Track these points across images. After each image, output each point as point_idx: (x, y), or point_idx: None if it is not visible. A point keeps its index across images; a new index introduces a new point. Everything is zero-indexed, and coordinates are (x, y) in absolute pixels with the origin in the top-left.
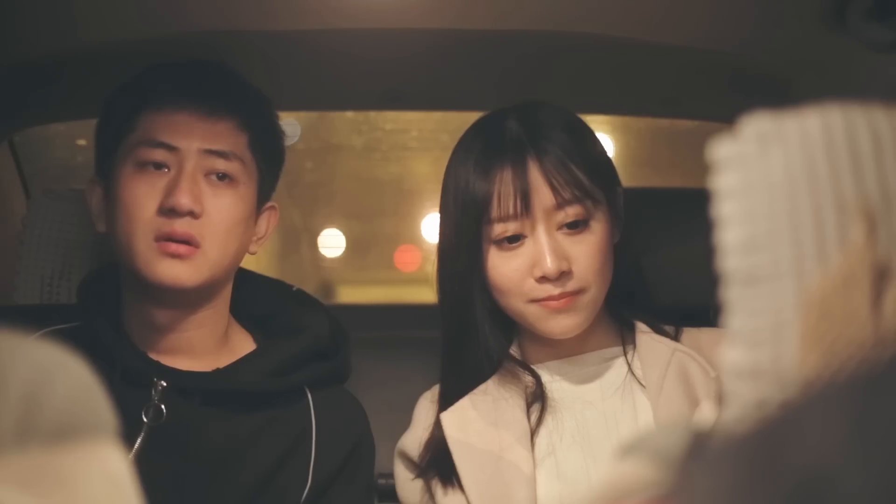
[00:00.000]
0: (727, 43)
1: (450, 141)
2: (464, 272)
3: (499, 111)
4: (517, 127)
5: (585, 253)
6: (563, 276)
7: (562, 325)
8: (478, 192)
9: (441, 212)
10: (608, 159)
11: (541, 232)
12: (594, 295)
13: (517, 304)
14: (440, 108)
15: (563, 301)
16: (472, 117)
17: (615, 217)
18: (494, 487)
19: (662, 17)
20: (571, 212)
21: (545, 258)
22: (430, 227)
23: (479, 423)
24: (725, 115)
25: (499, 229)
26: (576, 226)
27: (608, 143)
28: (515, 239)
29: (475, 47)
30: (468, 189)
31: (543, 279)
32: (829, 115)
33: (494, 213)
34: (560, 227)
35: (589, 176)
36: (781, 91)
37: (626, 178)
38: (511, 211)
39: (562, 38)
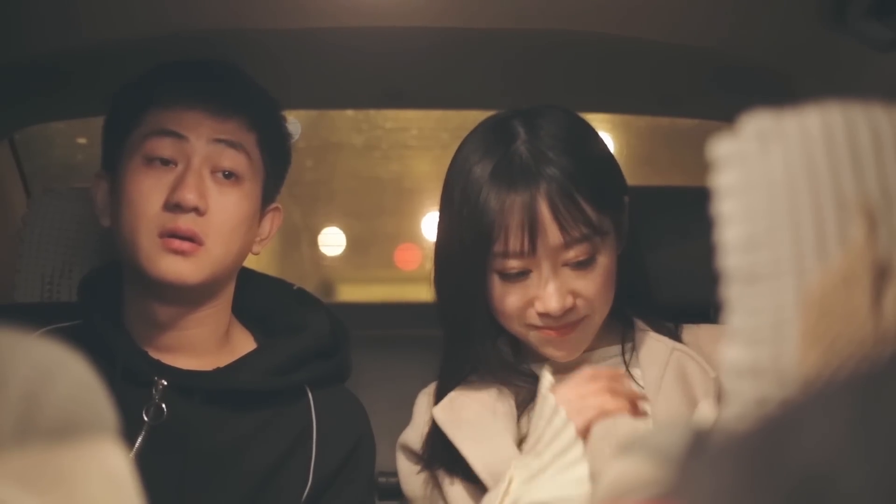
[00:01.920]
0: (727, 41)
1: (450, 139)
2: (464, 289)
3: (505, 121)
4: (526, 153)
5: (590, 286)
6: (566, 312)
7: (561, 351)
8: (484, 223)
9: (443, 223)
10: (617, 174)
11: (546, 270)
12: (597, 320)
13: (517, 328)
14: (440, 107)
15: (564, 329)
16: (472, 115)
17: (621, 232)
18: (498, 453)
19: (661, 16)
20: (580, 250)
21: (550, 297)
22: (430, 225)
23: (471, 404)
24: (725, 114)
25: (503, 264)
26: (583, 264)
27: (608, 141)
28: (520, 274)
29: (475, 45)
30: (474, 216)
31: (546, 315)
32: (828, 114)
33: (500, 247)
34: (566, 264)
35: (598, 207)
36: (781, 89)
37: (626, 177)
38: (518, 249)
39: (562, 36)
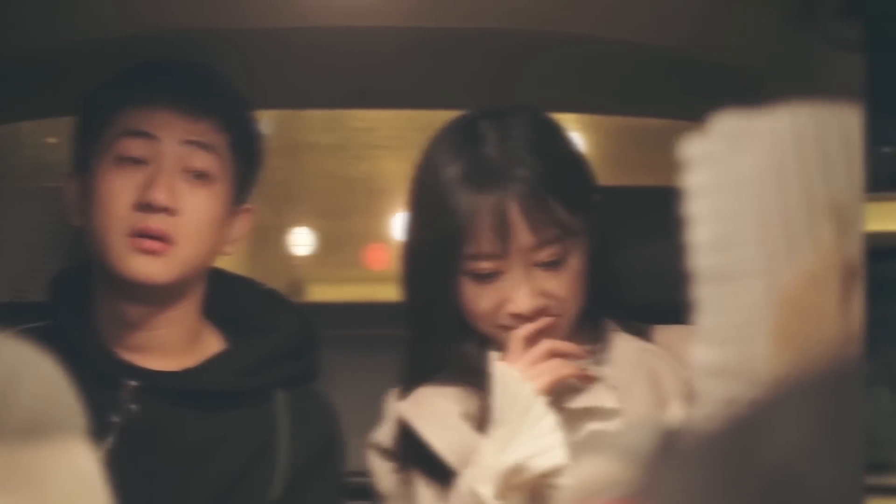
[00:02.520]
0: (696, 41)
1: (420, 139)
2: (434, 290)
3: (474, 122)
4: (496, 154)
5: (562, 287)
6: (540, 314)
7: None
8: (455, 225)
9: (412, 224)
10: (588, 174)
11: (518, 271)
12: (568, 320)
13: (489, 329)
14: (411, 107)
15: (539, 333)
16: (442, 115)
17: (592, 232)
18: (466, 441)
19: (630, 16)
20: (551, 251)
21: (522, 299)
22: (400, 225)
23: (437, 400)
24: (694, 114)
25: (474, 265)
26: (554, 265)
27: (579, 142)
28: (491, 275)
29: (445, 45)
30: (444, 217)
31: (519, 316)
32: (798, 114)
33: (471, 249)
34: (538, 265)
35: (569, 208)
36: (751, 89)
37: (597, 177)
38: (489, 251)
39: (532, 36)
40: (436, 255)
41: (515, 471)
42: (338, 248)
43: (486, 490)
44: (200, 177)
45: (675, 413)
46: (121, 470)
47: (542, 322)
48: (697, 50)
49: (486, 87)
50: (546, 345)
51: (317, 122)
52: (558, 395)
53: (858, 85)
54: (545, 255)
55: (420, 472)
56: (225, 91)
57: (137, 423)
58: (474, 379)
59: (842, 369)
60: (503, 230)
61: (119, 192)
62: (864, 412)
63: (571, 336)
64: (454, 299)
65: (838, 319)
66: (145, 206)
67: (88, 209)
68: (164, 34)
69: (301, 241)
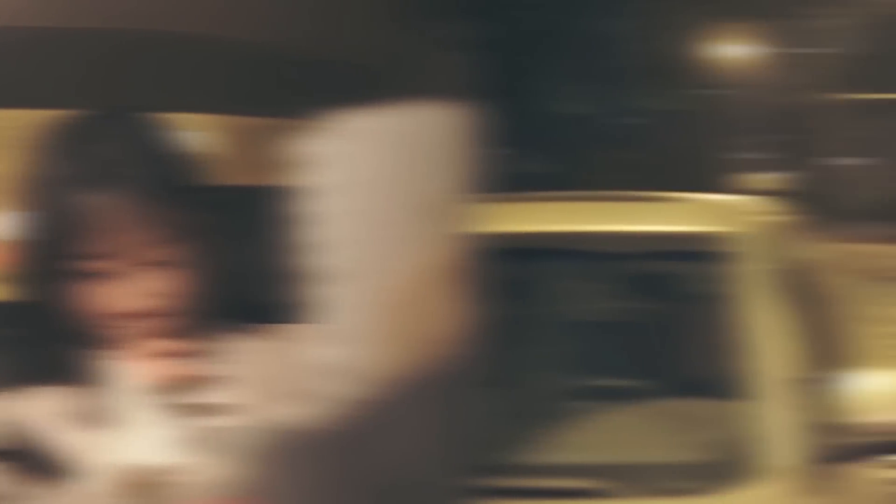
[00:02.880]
0: (310, 40)
1: (28, 140)
2: (47, 291)
3: (87, 122)
4: (107, 153)
5: (174, 286)
6: (151, 313)
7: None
8: (65, 224)
9: (24, 224)
10: (202, 173)
11: (128, 271)
12: (180, 319)
13: (100, 328)
14: (20, 107)
15: (149, 331)
16: (52, 116)
17: (205, 232)
18: (81, 442)
19: (244, 15)
20: (163, 250)
21: (131, 299)
22: (7, 224)
23: (47, 396)
24: (310, 113)
25: (86, 265)
26: (166, 265)
27: (195, 141)
28: (102, 274)
29: (55, 45)
30: (57, 217)
31: (130, 316)
32: (407, 114)
33: (82, 249)
34: (150, 264)
35: (181, 207)
36: (365, 89)
37: (213, 176)
38: (98, 250)
39: (142, 35)
40: (47, 255)
41: (128, 469)
42: None
43: (100, 488)
44: None
45: (289, 412)
46: None
47: (152, 321)
48: (311, 48)
49: (98, 87)
50: (157, 344)
51: None
52: (170, 392)
53: (470, 86)
54: (156, 254)
55: (32, 472)
56: None
57: None
58: (86, 379)
59: (449, 370)
60: (113, 230)
61: None
62: (475, 413)
63: (184, 335)
64: (66, 299)
65: (445, 320)
66: None
67: None
68: None
69: None
